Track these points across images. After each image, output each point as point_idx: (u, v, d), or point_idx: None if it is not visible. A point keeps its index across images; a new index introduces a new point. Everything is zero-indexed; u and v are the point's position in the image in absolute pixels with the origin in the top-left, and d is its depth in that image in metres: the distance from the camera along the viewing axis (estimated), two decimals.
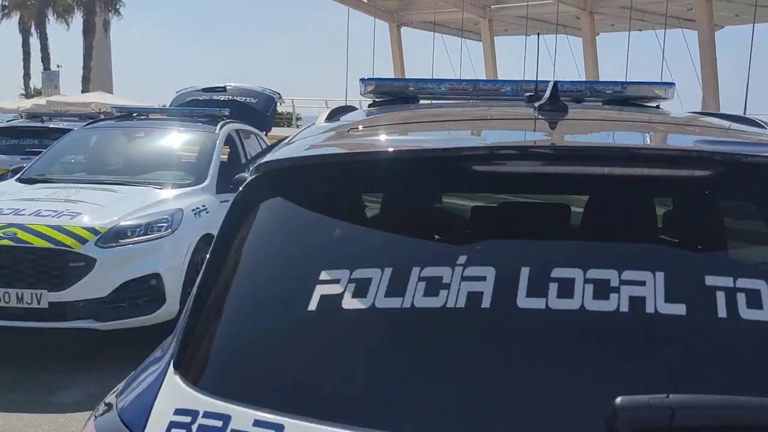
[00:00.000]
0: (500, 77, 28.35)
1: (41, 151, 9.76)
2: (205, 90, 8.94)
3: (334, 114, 2.00)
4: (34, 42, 46.31)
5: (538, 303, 1.16)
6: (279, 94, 9.20)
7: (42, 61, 45.72)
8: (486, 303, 1.16)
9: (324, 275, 1.23)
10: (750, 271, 1.25)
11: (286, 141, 1.66)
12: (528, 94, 2.17)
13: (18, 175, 6.28)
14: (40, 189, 5.70)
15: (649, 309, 1.15)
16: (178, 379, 1.22)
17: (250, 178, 1.42)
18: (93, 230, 4.93)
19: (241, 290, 1.31)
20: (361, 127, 1.81)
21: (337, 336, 1.21)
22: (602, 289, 1.16)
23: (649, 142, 1.54)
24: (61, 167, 6.68)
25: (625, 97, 2.53)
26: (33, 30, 46.05)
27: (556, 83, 1.69)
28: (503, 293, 1.17)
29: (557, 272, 1.19)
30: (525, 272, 1.19)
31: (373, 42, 29.33)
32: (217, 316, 1.29)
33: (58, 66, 44.22)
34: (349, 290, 1.20)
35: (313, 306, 1.20)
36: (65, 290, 4.78)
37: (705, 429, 1.01)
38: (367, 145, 1.54)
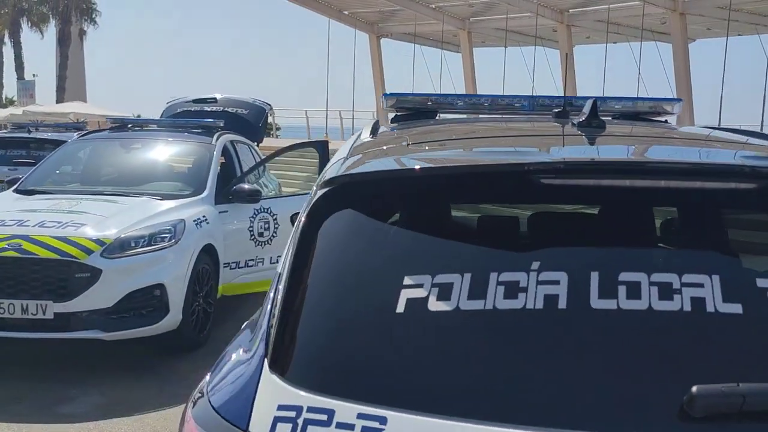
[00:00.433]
0: (479, 88, 28.68)
1: (29, 162, 9.77)
2: (196, 101, 8.93)
3: (375, 129, 2.10)
4: (7, 51, 45.86)
5: (609, 304, 1.28)
6: (270, 105, 9.25)
7: (16, 71, 45.27)
8: (562, 304, 1.28)
9: (408, 280, 1.34)
10: None
11: (346, 154, 1.76)
12: (556, 110, 2.31)
13: (15, 186, 6.25)
14: (40, 200, 5.69)
15: (709, 308, 1.28)
16: (276, 378, 1.31)
17: (325, 190, 1.52)
18: (98, 241, 4.95)
19: (330, 295, 1.40)
20: (420, 143, 1.93)
21: (426, 335, 1.32)
22: (666, 291, 1.29)
23: (708, 158, 1.68)
24: (58, 178, 6.67)
25: (636, 112, 2.67)
26: (6, 39, 45.57)
27: (595, 101, 1.82)
28: (577, 295, 1.29)
29: (624, 276, 1.31)
30: (595, 276, 1.31)
31: (354, 53, 29.50)
32: (309, 320, 1.38)
33: (34, 75, 43.85)
34: (433, 294, 1.31)
35: (401, 308, 1.31)
36: (70, 301, 4.80)
37: None
38: (445, 160, 1.68)
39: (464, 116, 2.96)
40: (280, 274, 1.55)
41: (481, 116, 2.93)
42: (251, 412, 1.28)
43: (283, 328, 1.37)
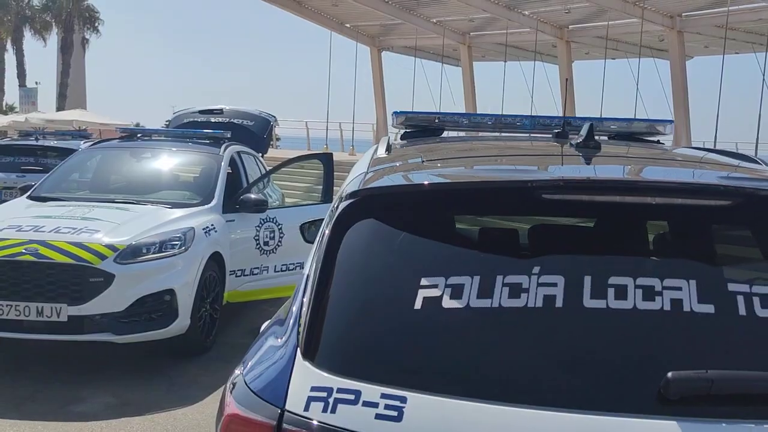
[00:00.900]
0: (478, 101, 29.00)
1: (37, 169, 9.96)
2: (202, 112, 9.10)
3: (389, 146, 2.31)
4: (10, 58, 46.14)
5: (600, 303, 1.49)
6: (274, 116, 9.43)
7: (18, 78, 45.51)
8: (559, 303, 1.49)
9: (424, 281, 1.54)
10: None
11: (365, 169, 1.95)
12: (556, 130, 2.52)
13: (28, 193, 6.41)
14: (54, 207, 5.87)
15: (686, 308, 1.49)
16: (308, 364, 1.51)
17: (349, 201, 1.72)
18: (112, 247, 5.13)
19: (354, 294, 1.60)
20: (433, 159, 2.16)
21: (441, 329, 1.52)
22: (649, 293, 1.49)
23: (691, 178, 1.91)
24: (71, 186, 6.84)
25: (630, 132, 2.87)
26: (9, 46, 45.86)
27: (592, 124, 2.03)
28: (572, 296, 1.50)
29: (613, 280, 1.52)
30: (588, 280, 1.51)
31: (355, 65, 29.82)
32: (336, 314, 1.58)
33: (36, 83, 44.06)
34: (446, 293, 1.52)
35: (418, 305, 1.52)
36: (84, 304, 4.97)
37: (737, 397, 1.35)
38: (457, 176, 1.92)
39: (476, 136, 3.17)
40: (308, 275, 1.74)
41: (487, 135, 3.15)
42: (287, 392, 1.47)
43: (314, 322, 1.57)
